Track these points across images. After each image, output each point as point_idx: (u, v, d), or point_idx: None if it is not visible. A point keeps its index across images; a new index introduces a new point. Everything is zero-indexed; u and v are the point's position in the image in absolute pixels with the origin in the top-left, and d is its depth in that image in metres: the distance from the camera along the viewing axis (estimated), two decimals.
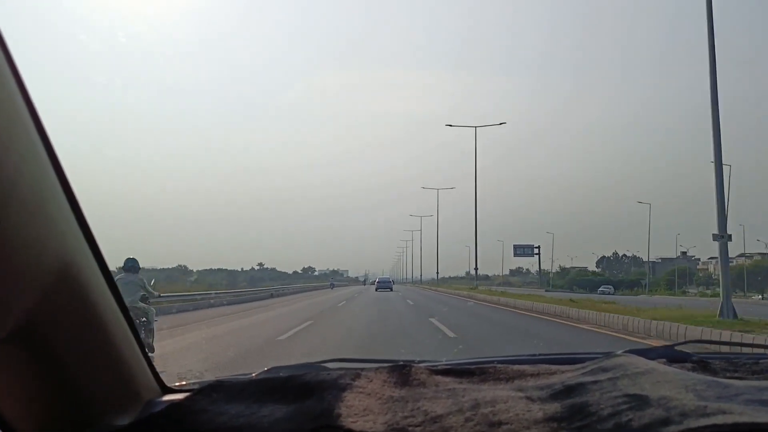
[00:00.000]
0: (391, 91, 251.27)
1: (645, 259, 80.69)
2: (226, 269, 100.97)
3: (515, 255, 75.54)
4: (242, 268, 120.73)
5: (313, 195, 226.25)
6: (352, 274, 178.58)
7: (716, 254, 13.80)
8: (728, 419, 0.65)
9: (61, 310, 0.76)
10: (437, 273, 79.15)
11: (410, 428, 0.75)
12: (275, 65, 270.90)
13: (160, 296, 10.12)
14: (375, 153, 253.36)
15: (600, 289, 65.14)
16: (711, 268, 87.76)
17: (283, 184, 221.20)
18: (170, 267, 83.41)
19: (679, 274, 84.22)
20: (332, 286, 62.52)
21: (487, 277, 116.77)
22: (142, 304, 7.51)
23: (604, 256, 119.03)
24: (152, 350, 7.34)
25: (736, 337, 8.73)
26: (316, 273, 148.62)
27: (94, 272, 0.83)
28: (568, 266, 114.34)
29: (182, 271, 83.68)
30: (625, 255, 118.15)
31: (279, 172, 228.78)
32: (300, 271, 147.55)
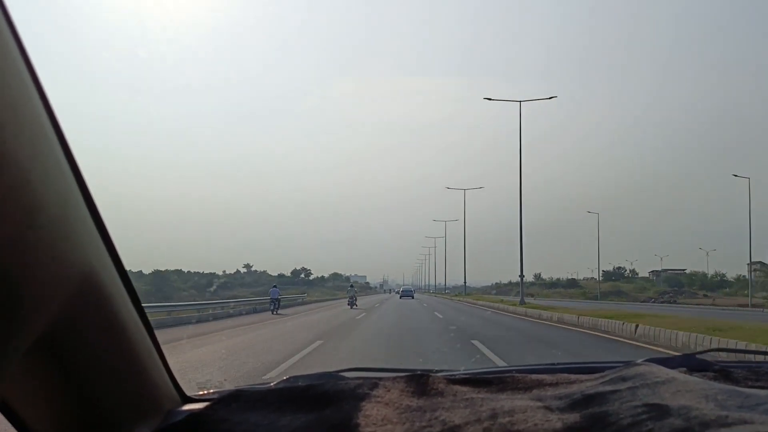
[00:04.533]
0: (414, 96, 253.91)
1: None
2: (184, 271, 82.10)
3: None
4: (224, 271, 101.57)
5: (326, 199, 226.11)
6: (370, 280, 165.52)
7: None
8: (749, 429, 0.64)
9: (84, 320, 0.78)
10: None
11: None
12: (292, 74, 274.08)
13: (357, 291, 38.16)
14: (397, 156, 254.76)
15: None
16: None
17: (296, 186, 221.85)
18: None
19: None
20: (275, 305, 28.11)
21: (574, 283, 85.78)
22: (355, 295, 35.20)
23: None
24: (355, 305, 33.95)
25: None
26: (311, 277, 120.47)
27: (116, 283, 0.84)
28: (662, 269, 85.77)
29: None
30: None
31: (294, 175, 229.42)
32: (289, 275, 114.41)
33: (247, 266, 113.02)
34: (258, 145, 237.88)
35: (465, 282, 67.42)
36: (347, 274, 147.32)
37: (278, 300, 28.80)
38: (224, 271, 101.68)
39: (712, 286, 63.84)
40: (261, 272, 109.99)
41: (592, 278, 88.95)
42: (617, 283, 78.76)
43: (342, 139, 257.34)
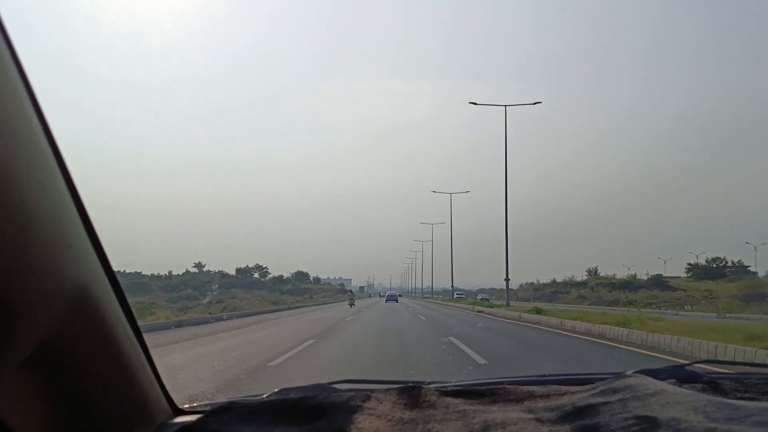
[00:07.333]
0: (399, 98, 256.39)
1: None
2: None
3: None
4: (170, 271, 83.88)
5: (313, 199, 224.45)
6: (356, 283, 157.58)
7: None
8: None
9: (77, 333, 0.77)
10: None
11: None
12: (273, 76, 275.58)
13: (354, 295, 50.97)
14: (385, 157, 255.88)
15: None
16: None
17: (283, 186, 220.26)
18: None
19: None
20: None
21: (660, 281, 56.07)
22: (353, 297, 47.58)
23: None
24: (353, 304, 42.98)
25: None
26: (268, 277, 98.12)
27: (110, 296, 0.84)
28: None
29: None
30: None
31: (282, 174, 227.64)
32: (233, 274, 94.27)
33: (198, 265, 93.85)
34: (234, 145, 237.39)
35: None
36: (330, 276, 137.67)
37: None
38: (170, 272, 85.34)
39: None
40: (215, 272, 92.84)
41: (681, 276, 63.60)
42: (753, 281, 46.07)
43: (324, 140, 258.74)
